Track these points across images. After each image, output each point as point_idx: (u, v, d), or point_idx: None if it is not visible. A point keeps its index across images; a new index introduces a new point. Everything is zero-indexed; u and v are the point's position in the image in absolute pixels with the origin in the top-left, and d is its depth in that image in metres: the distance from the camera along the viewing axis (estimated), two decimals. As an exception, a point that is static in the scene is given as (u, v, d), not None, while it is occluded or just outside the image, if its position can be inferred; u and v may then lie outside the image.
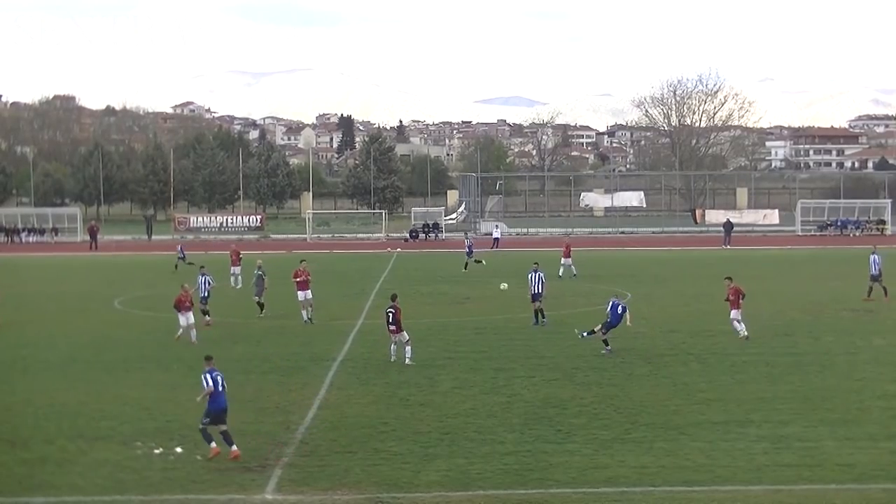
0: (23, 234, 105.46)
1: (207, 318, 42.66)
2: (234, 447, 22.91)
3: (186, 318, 38.11)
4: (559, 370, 32.96)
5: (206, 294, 43.27)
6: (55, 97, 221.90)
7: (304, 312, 43.32)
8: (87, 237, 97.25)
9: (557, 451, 23.26)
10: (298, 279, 43.56)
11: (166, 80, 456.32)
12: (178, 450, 23.49)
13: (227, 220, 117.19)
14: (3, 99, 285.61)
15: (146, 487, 20.92)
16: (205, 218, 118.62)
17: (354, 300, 50.82)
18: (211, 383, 23.39)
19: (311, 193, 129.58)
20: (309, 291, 43.49)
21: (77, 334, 41.34)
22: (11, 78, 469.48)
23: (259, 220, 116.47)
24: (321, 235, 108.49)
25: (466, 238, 75.54)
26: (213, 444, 23.04)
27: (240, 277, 57.70)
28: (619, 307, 35.88)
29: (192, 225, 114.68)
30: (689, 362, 34.11)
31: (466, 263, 68.21)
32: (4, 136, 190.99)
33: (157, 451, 23.38)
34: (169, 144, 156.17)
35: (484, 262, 69.67)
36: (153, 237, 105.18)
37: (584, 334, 36.30)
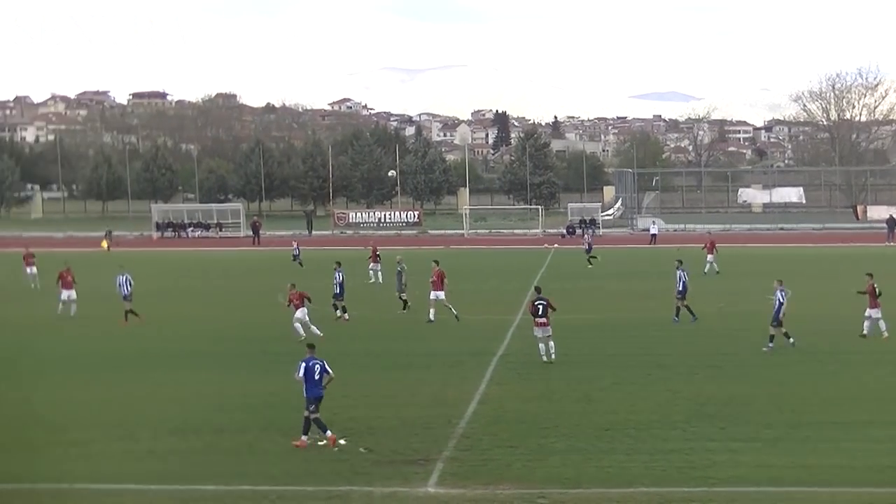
0: (189, 230, 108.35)
1: (344, 315, 43.52)
2: (304, 437, 23.58)
3: (303, 313, 38.57)
4: (717, 367, 32.67)
5: (338, 291, 44.01)
6: (218, 95, 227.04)
7: (431, 311, 43.24)
8: (250, 232, 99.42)
9: (720, 450, 23.05)
10: (432, 279, 43.84)
11: (324, 78, 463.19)
12: (342, 441, 23.85)
13: (384, 215, 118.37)
14: (169, 98, 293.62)
15: (312, 478, 21.29)
16: (363, 213, 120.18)
17: (512, 296, 50.90)
18: (301, 372, 23.95)
19: (467, 189, 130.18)
20: (441, 292, 43.38)
21: (248, 327, 42.27)
22: (177, 77, 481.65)
23: (416, 216, 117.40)
24: (478, 231, 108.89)
25: (585, 234, 76.98)
26: (329, 433, 23.69)
27: (380, 273, 58.20)
28: (781, 293, 35.48)
29: (350, 220, 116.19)
30: (854, 362, 33.47)
31: (589, 259, 69.66)
32: (170, 133, 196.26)
33: (321, 443, 23.76)
34: (327, 141, 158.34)
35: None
36: (313, 232, 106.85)
37: (770, 345, 35.61)
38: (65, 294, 45.85)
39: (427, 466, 22.01)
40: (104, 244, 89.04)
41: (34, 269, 57.34)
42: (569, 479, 21.01)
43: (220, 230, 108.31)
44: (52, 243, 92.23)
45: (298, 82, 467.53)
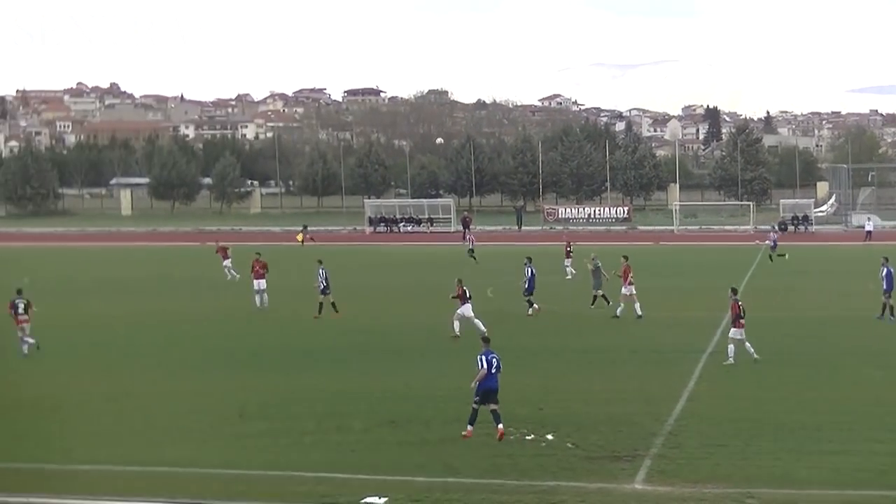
0: (401, 224, 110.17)
1: (534, 307, 43.67)
2: (500, 426, 23.83)
3: (465, 309, 38.53)
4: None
5: (527, 286, 44.15)
6: (430, 92, 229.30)
7: (620, 306, 43.27)
8: (461, 227, 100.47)
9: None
10: (619, 274, 43.78)
11: (534, 74, 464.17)
12: (549, 437, 24.02)
13: (594, 211, 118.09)
14: (383, 95, 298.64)
15: (519, 472, 21.45)
16: (573, 209, 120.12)
17: (722, 293, 50.14)
18: (485, 365, 24.19)
19: (677, 185, 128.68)
20: (633, 287, 43.16)
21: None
22: (390, 75, 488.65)
23: (626, 212, 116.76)
24: (688, 227, 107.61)
25: (773, 231, 76.66)
26: (471, 427, 23.96)
27: (569, 269, 58.34)
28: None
29: (560, 216, 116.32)
30: None
31: (770, 256, 69.02)
32: (383, 130, 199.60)
33: (528, 438, 23.99)
34: (537, 137, 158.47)
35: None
36: (523, 228, 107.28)
37: None
38: (256, 284, 47.39)
39: (634, 463, 21.98)
40: (299, 238, 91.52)
41: (229, 262, 59.85)
42: (778, 479, 20.72)
43: (431, 225, 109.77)
44: (269, 237, 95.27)
45: (509, 78, 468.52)
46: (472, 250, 71.99)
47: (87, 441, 24.51)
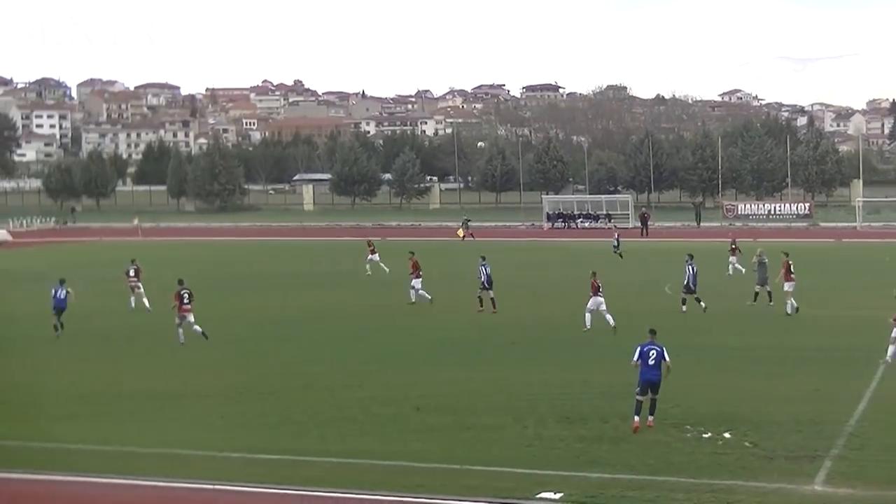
0: (578, 220, 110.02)
1: (698, 304, 43.41)
2: (651, 418, 24.24)
3: (596, 303, 38.94)
4: None
5: (688, 283, 43.83)
6: (608, 87, 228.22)
7: (789, 303, 42.75)
8: (639, 224, 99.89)
9: None
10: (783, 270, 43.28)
11: (715, 69, 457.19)
12: (727, 435, 23.87)
13: (774, 207, 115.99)
14: (561, 90, 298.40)
15: (695, 470, 21.35)
16: (752, 205, 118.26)
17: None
18: (636, 357, 24.64)
19: (860, 181, 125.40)
20: (792, 283, 42.79)
21: (631, 316, 42.83)
22: (569, 70, 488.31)
23: (807, 208, 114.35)
24: (871, 224, 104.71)
25: None
26: (637, 419, 24.15)
27: (731, 266, 57.78)
28: None
29: (739, 212, 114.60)
30: None
31: None
32: (562, 126, 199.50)
33: (705, 436, 23.87)
34: (717, 132, 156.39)
35: None
36: (701, 224, 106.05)
37: None
38: (414, 282, 48.13)
39: (814, 464, 21.67)
40: (459, 233, 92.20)
41: (376, 257, 61.10)
42: (964, 485, 20.25)
43: (609, 221, 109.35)
44: (445, 233, 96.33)
45: (689, 73, 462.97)
46: (616, 246, 71.51)
47: (275, 431, 25.34)
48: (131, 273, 48.30)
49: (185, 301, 37.84)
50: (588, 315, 39.14)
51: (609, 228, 79.27)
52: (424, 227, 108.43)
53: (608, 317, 38.72)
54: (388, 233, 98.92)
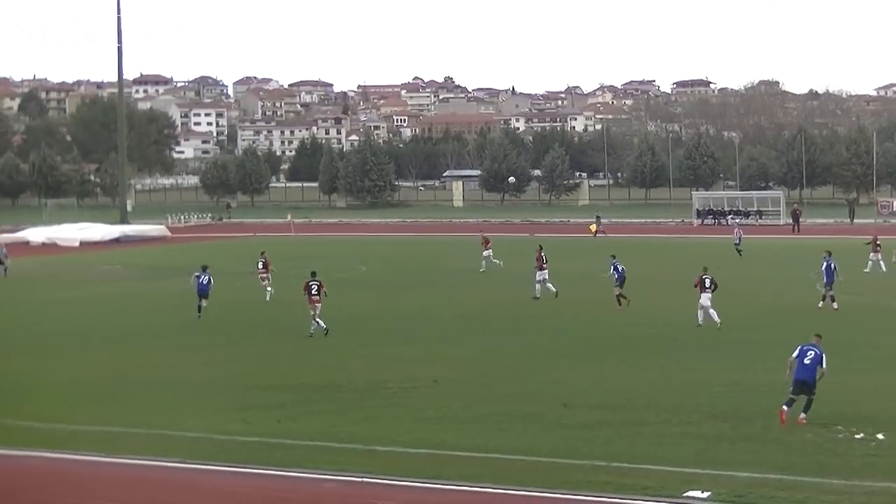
0: (728, 217, 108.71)
1: (834, 304, 42.84)
2: (803, 415, 24.32)
3: (707, 299, 39.30)
4: None
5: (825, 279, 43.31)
6: (760, 82, 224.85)
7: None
8: (790, 220, 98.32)
9: None
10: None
11: (869, 63, 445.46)
12: (880, 436, 23.56)
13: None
14: (713, 86, 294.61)
15: (847, 472, 21.01)
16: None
17: None
18: (796, 354, 24.86)
19: None
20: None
21: (767, 315, 42.53)
22: (720, 65, 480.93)
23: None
24: None
25: None
26: (786, 408, 24.38)
27: (871, 263, 57.34)
28: None
29: (894, 209, 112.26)
30: None
31: None
32: (713, 121, 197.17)
33: (858, 437, 23.56)
34: (872, 127, 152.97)
35: None
36: (855, 221, 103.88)
37: None
38: (538, 274, 48.46)
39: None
40: (592, 229, 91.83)
41: (489, 252, 62.26)
42: None
43: (760, 217, 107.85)
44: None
45: (843, 67, 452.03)
46: (737, 244, 70.43)
47: (418, 425, 25.69)
48: (260, 266, 50.24)
49: (314, 292, 38.79)
50: (700, 312, 39.58)
51: (736, 226, 77.34)
52: (577, 224, 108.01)
53: (712, 312, 39.19)
54: (536, 229, 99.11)
